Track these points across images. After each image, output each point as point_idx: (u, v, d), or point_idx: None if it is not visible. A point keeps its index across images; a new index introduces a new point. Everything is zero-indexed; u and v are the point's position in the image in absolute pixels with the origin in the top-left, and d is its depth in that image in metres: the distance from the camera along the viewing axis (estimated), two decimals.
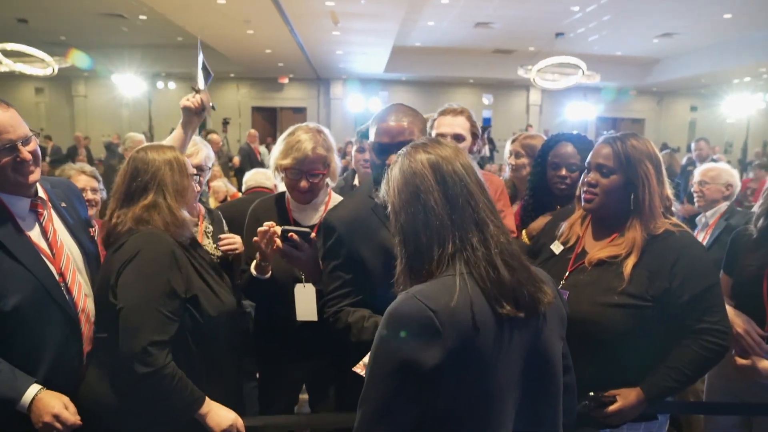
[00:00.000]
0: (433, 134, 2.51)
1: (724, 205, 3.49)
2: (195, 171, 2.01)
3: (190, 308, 1.77)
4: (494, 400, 1.11)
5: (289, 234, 1.90)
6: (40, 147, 1.93)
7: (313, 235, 1.94)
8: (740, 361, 1.90)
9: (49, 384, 1.70)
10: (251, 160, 9.29)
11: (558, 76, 12.59)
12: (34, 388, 1.66)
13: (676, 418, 2.97)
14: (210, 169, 2.54)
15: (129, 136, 4.41)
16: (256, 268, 2.02)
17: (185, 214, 1.86)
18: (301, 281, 2.05)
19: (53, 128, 17.21)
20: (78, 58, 13.50)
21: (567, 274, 1.82)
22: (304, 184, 2.08)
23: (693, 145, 7.17)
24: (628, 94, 18.78)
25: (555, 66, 12.01)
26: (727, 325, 1.69)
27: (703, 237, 3.44)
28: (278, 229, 1.92)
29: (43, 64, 11.77)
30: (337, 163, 2.19)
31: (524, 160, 2.98)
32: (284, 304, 2.06)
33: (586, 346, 1.60)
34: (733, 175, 3.54)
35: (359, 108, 18.14)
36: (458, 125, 2.49)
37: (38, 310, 1.72)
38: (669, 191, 1.80)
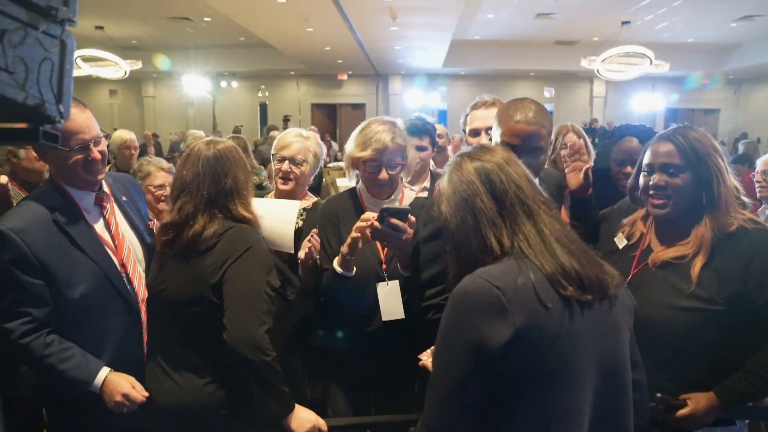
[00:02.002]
0: (467, 130, 2.44)
1: None
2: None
3: (279, 295, 1.89)
4: (567, 385, 1.09)
5: (389, 217, 1.79)
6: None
7: (411, 216, 1.83)
8: None
9: (114, 368, 1.80)
10: None
11: (624, 67, 12.06)
12: (104, 371, 1.76)
13: (756, 424, 2.77)
14: (307, 162, 2.37)
15: (190, 133, 4.55)
16: (341, 264, 1.92)
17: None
18: (383, 279, 1.98)
19: (125, 127, 18.00)
20: (160, 61, 14.25)
21: (630, 276, 1.71)
22: (384, 175, 2.00)
23: None
24: (715, 83, 17.53)
25: (620, 56, 11.51)
26: None
27: None
28: (370, 214, 1.83)
29: (116, 67, 12.38)
30: (414, 156, 2.12)
31: (582, 142, 3.02)
32: (366, 302, 1.99)
33: (652, 350, 1.50)
34: None
35: (418, 103, 18.09)
36: (491, 118, 2.37)
37: (102, 299, 1.80)
38: (734, 181, 1.68)
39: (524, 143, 1.74)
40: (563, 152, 3.09)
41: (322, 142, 2.49)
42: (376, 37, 12.87)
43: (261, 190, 2.82)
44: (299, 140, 2.37)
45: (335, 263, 1.93)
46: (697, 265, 1.59)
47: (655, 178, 1.67)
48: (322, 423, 1.78)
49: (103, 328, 1.82)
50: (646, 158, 1.72)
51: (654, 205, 1.69)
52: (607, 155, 2.53)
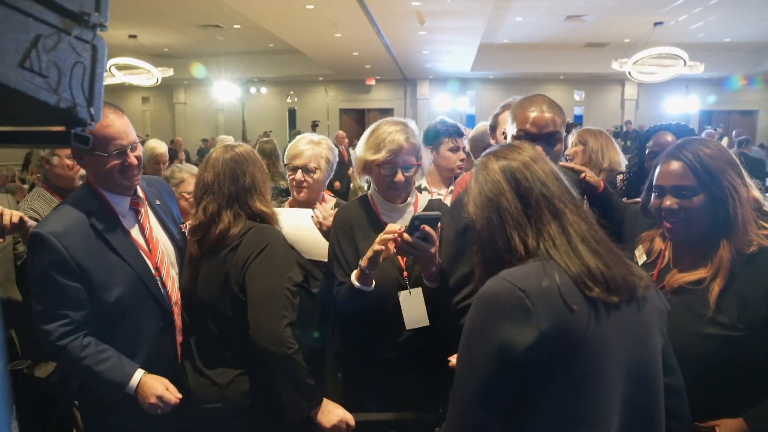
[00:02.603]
0: (498, 131, 2.41)
1: None
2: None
3: (303, 289, 1.93)
4: (594, 390, 1.07)
5: (421, 225, 1.69)
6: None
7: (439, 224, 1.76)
8: None
9: (148, 370, 1.82)
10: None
11: (656, 68, 11.82)
12: (139, 373, 1.79)
13: None
14: (319, 168, 2.33)
15: (220, 139, 4.63)
16: (360, 278, 1.82)
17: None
18: (404, 288, 1.91)
19: (156, 134, 18.52)
20: (197, 70, 14.65)
21: None
22: (399, 177, 1.92)
23: None
24: (755, 84, 16.97)
25: (653, 58, 11.28)
26: None
27: None
28: (395, 226, 1.75)
29: (148, 75, 12.67)
30: (428, 157, 2.05)
31: (577, 148, 3.11)
32: (387, 313, 1.90)
33: None
34: None
35: (446, 107, 18.04)
36: None
37: (137, 302, 1.83)
38: (755, 192, 1.57)
39: (541, 131, 1.74)
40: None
41: (334, 146, 2.46)
42: (404, 41, 12.90)
43: (287, 196, 2.82)
44: (310, 147, 2.34)
45: (353, 278, 1.83)
46: (716, 289, 1.48)
47: (666, 202, 1.56)
48: (349, 417, 1.80)
49: (137, 331, 1.85)
50: (656, 178, 1.61)
51: (668, 230, 1.59)
52: (642, 151, 2.53)
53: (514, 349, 1.03)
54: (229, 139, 4.58)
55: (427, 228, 1.69)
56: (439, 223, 1.74)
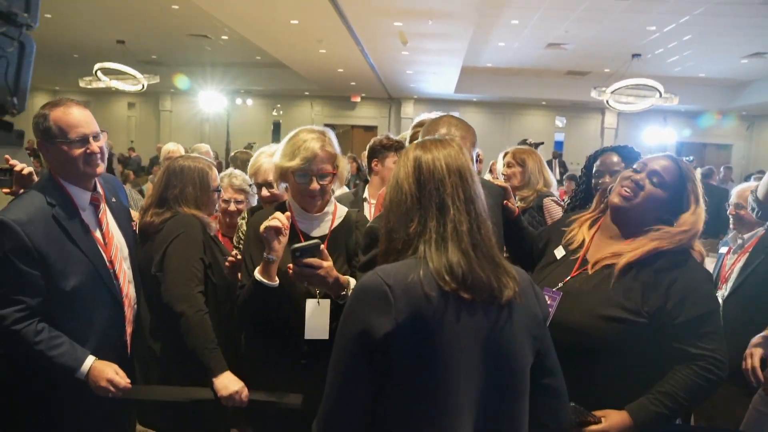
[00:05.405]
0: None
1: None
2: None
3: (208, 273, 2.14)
4: (446, 382, 1.15)
5: (300, 257, 1.69)
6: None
7: (322, 246, 1.75)
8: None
9: (97, 357, 1.89)
10: None
11: (633, 99, 12.16)
12: (90, 359, 1.87)
13: None
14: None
15: (195, 147, 4.71)
16: (262, 271, 1.80)
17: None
18: (313, 296, 1.89)
19: (141, 140, 18.50)
20: (180, 81, 14.67)
21: (568, 278, 1.73)
22: (314, 185, 1.89)
23: None
24: (728, 120, 17.56)
25: (630, 88, 11.62)
26: (724, 356, 1.58)
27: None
28: (279, 214, 1.81)
29: (134, 81, 12.71)
30: (347, 167, 2.04)
31: (515, 170, 3.20)
32: (293, 322, 1.88)
33: (576, 358, 1.51)
34: None
35: None
36: None
37: (91, 292, 1.93)
38: (702, 213, 1.71)
39: None
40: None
41: None
42: (387, 60, 13.09)
43: (259, 209, 2.84)
44: (268, 161, 2.38)
45: (256, 272, 1.82)
46: (622, 261, 1.63)
47: (639, 176, 1.72)
48: (246, 392, 1.89)
49: (89, 320, 1.93)
50: (643, 160, 1.78)
51: (620, 194, 1.73)
52: (590, 171, 2.65)
53: (373, 335, 1.13)
54: (205, 148, 4.66)
55: (307, 259, 1.70)
56: (322, 246, 1.75)
